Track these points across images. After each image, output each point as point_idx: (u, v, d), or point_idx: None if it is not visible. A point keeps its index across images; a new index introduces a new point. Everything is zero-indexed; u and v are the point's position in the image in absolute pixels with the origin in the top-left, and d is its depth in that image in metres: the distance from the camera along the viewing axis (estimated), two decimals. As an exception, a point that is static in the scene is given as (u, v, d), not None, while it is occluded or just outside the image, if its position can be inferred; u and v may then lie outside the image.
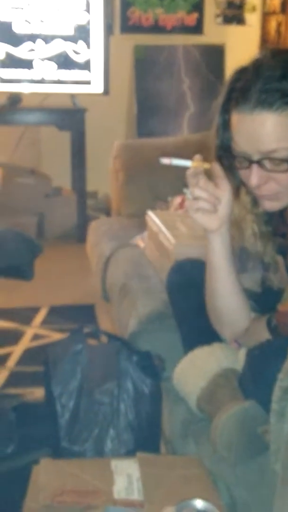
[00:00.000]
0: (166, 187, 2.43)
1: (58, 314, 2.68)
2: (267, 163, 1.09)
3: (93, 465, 1.24)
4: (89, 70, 3.53)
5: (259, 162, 1.09)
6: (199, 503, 0.90)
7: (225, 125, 1.15)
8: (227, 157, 1.16)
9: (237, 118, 1.10)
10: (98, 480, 1.16)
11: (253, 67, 1.10)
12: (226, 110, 1.14)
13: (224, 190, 1.17)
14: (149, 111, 3.90)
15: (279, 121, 1.06)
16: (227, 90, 1.13)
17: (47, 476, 1.18)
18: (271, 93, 1.06)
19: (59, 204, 3.77)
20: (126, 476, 1.17)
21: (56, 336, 2.44)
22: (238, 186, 1.20)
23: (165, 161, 1.17)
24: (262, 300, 1.32)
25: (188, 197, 1.19)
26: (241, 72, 1.12)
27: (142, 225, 2.20)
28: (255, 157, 1.09)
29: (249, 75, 1.09)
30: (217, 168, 1.17)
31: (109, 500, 1.10)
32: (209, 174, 1.18)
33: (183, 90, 3.95)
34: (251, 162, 1.10)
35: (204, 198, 1.17)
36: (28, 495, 1.15)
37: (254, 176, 1.10)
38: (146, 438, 1.42)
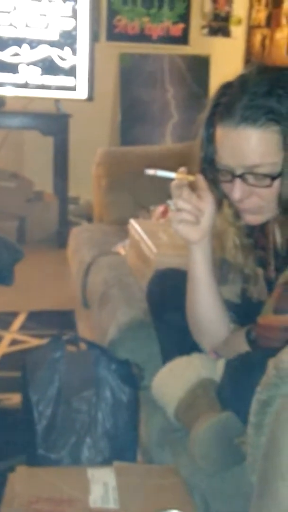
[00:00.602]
0: (148, 195, 2.44)
1: (37, 320, 2.67)
2: (250, 178, 1.11)
3: (69, 473, 1.24)
4: (74, 76, 3.53)
5: (242, 177, 1.11)
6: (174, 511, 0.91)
7: (210, 139, 1.16)
8: (211, 170, 1.17)
9: (221, 133, 1.12)
10: (74, 488, 1.15)
11: (238, 83, 1.11)
12: (210, 124, 1.15)
13: (207, 202, 1.18)
14: (133, 119, 3.92)
15: (263, 137, 1.08)
16: (212, 104, 1.14)
17: (23, 483, 1.17)
18: (255, 110, 1.07)
19: (41, 208, 3.76)
20: (102, 484, 1.17)
21: (35, 341, 2.42)
22: (221, 199, 1.22)
23: (150, 172, 1.18)
24: (242, 312, 1.33)
25: (171, 208, 1.20)
26: (227, 87, 1.13)
27: (123, 232, 2.20)
28: (238, 171, 1.11)
29: (234, 91, 1.11)
30: (200, 181, 1.18)
31: (85, 509, 1.10)
32: (192, 186, 1.19)
33: (167, 99, 3.98)
34: (234, 176, 1.12)
35: (187, 210, 1.18)
36: (3, 502, 1.14)
37: (236, 190, 1.12)
38: (123, 447, 1.42)
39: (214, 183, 1.18)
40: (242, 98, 1.09)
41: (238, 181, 1.11)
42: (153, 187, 2.32)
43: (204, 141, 1.18)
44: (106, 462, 1.36)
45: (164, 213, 2.23)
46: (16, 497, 1.13)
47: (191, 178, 1.19)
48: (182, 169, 1.20)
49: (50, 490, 1.15)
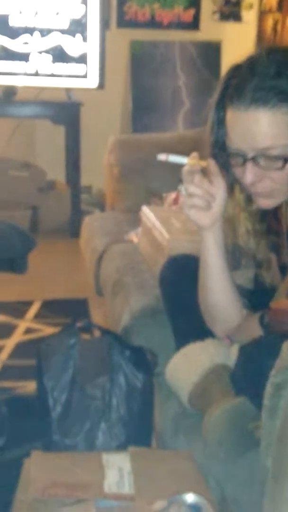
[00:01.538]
0: (160, 183, 2.43)
1: (51, 308, 2.68)
2: (261, 161, 1.10)
3: (84, 458, 1.25)
4: (85, 64, 3.51)
5: (253, 160, 1.10)
6: (190, 497, 0.91)
7: (220, 122, 1.15)
8: (222, 154, 1.16)
9: (231, 116, 1.11)
10: (89, 473, 1.16)
11: (248, 65, 1.10)
12: (221, 107, 1.14)
13: (219, 188, 1.18)
14: (144, 107, 3.90)
15: (274, 119, 1.07)
16: (222, 87, 1.13)
17: (38, 469, 1.18)
18: (266, 91, 1.06)
19: (53, 198, 3.76)
20: (117, 469, 1.17)
21: (49, 330, 2.44)
22: (232, 184, 1.21)
23: (162, 157, 1.18)
24: (255, 297, 1.33)
25: (183, 194, 1.19)
26: (236, 70, 1.12)
27: (136, 220, 2.20)
28: (250, 154, 1.10)
29: (244, 73, 1.10)
30: (212, 165, 1.17)
31: (100, 493, 1.11)
32: (204, 172, 1.19)
33: (179, 86, 3.95)
34: (245, 159, 1.11)
35: (198, 195, 1.17)
36: (19, 487, 1.15)
37: (248, 174, 1.11)
38: (137, 433, 1.43)
39: (225, 167, 1.17)
40: (252, 79, 1.08)
41: (249, 165, 1.10)
42: (165, 174, 2.33)
43: (214, 125, 1.17)
44: (121, 447, 1.36)
45: (176, 200, 2.22)
46: (31, 482, 1.14)
47: (202, 163, 1.18)
48: (194, 154, 1.19)
49: (65, 475, 1.16)
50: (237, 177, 1.16)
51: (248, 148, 1.10)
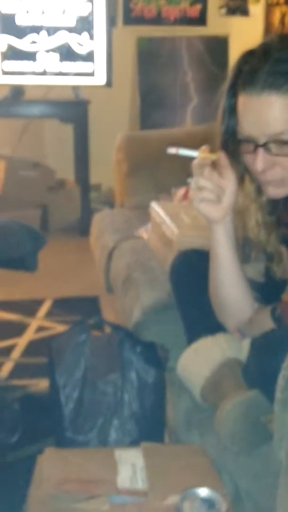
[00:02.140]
0: (169, 178, 2.42)
1: (62, 306, 2.68)
2: (273, 147, 1.09)
3: (97, 454, 1.25)
4: (92, 62, 3.51)
5: (265, 146, 1.09)
6: (203, 491, 0.90)
7: (231, 110, 1.14)
8: (233, 143, 1.15)
9: (244, 101, 1.10)
10: (102, 469, 1.16)
11: (261, 50, 1.10)
12: (232, 93, 1.13)
13: (229, 180, 1.17)
14: (152, 103, 3.89)
15: (287, 104, 1.06)
16: (234, 73, 1.13)
17: (51, 465, 1.18)
18: (279, 76, 1.06)
19: (63, 197, 3.76)
20: (130, 465, 1.17)
21: (60, 328, 2.44)
22: (243, 175, 1.20)
23: (172, 150, 1.17)
24: (266, 291, 1.32)
25: (193, 188, 1.19)
26: (249, 55, 1.11)
27: (145, 217, 2.19)
28: (261, 140, 1.09)
29: (257, 58, 1.09)
30: (222, 158, 1.16)
31: (113, 489, 1.10)
32: (214, 165, 1.18)
33: (187, 82, 3.94)
34: (257, 146, 1.10)
35: (208, 189, 1.16)
36: (32, 484, 1.15)
37: (259, 161, 1.10)
38: (150, 428, 1.42)
39: (235, 157, 1.16)
40: (265, 64, 1.07)
41: (261, 151, 1.09)
42: (174, 170, 2.31)
43: (225, 113, 1.16)
44: (133, 443, 1.36)
45: (186, 195, 2.22)
46: (45, 478, 1.14)
47: (213, 156, 1.17)
48: (204, 147, 1.18)
49: (79, 471, 1.16)
50: (248, 165, 1.15)
51: (260, 134, 1.09)
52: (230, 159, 1.16)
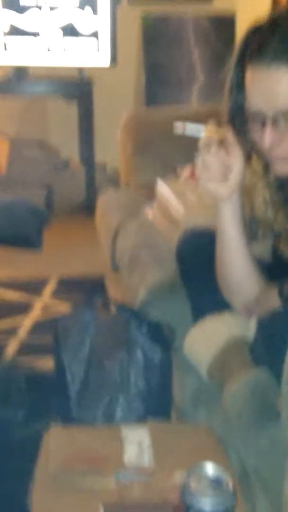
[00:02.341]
0: (175, 157, 2.39)
1: (67, 286, 2.68)
2: (281, 122, 1.07)
3: (103, 432, 1.25)
4: (97, 41, 3.47)
5: (273, 120, 1.07)
6: (210, 469, 0.90)
7: (239, 85, 1.12)
8: (240, 119, 1.13)
9: (252, 75, 1.08)
10: (108, 447, 1.16)
11: (269, 24, 1.08)
12: (240, 68, 1.12)
13: (236, 158, 1.15)
14: (157, 83, 3.84)
15: None
16: (241, 47, 1.11)
17: (58, 443, 1.18)
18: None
19: (68, 177, 3.74)
20: (136, 443, 1.17)
21: (65, 307, 2.44)
22: (250, 152, 1.18)
23: (179, 127, 1.15)
24: (273, 269, 1.31)
25: (199, 166, 1.17)
26: (256, 29, 1.10)
27: (151, 196, 2.17)
28: (270, 115, 1.07)
29: (265, 32, 1.07)
30: (229, 135, 1.14)
31: (119, 466, 1.11)
32: (221, 142, 1.16)
33: (193, 60, 3.89)
34: (265, 120, 1.08)
35: (215, 167, 1.15)
36: (39, 461, 1.15)
37: (267, 136, 1.08)
38: (156, 407, 1.42)
39: (243, 134, 1.14)
40: (273, 38, 1.05)
41: (269, 127, 1.08)
42: (180, 148, 2.28)
43: (233, 88, 1.14)
44: (140, 422, 1.36)
45: (192, 174, 2.19)
46: (51, 455, 1.14)
47: (219, 134, 1.15)
48: (211, 122, 1.16)
49: (85, 449, 1.16)
50: (255, 142, 1.14)
51: (268, 108, 1.07)
52: (237, 136, 1.15)
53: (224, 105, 1.17)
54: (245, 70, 1.10)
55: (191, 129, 1.15)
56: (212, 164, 1.14)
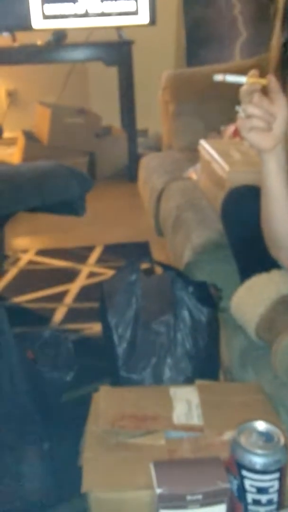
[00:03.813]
0: (218, 116, 2.34)
1: (113, 252, 2.69)
2: None
3: (152, 391, 1.25)
4: (135, 1, 3.39)
5: None
6: (261, 425, 0.89)
7: None
8: (286, 64, 1.08)
9: None
10: (157, 405, 1.16)
11: None
12: None
13: (280, 106, 1.10)
14: (198, 40, 3.74)
15: None
16: None
17: (107, 402, 1.19)
18: None
19: (110, 143, 3.72)
20: (185, 402, 1.16)
21: (111, 273, 2.43)
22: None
23: (219, 77, 1.11)
24: None
25: (241, 116, 1.13)
26: None
27: (194, 158, 2.14)
28: None
29: None
30: (273, 82, 1.09)
31: (169, 425, 1.10)
32: (264, 90, 1.11)
33: (234, 15, 3.76)
34: None
35: (257, 116, 1.10)
36: (88, 421, 1.16)
37: None
38: (204, 367, 1.41)
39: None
40: None
41: None
42: (223, 107, 2.23)
43: (281, 31, 1.08)
44: (188, 381, 1.35)
45: (235, 133, 2.14)
46: (101, 415, 1.15)
47: (263, 81, 1.10)
48: (253, 71, 1.11)
49: (134, 408, 1.16)
50: None
51: None
52: (282, 83, 1.10)
53: (272, 53, 1.12)
54: None
55: (232, 79, 1.10)
56: (255, 113, 1.09)
